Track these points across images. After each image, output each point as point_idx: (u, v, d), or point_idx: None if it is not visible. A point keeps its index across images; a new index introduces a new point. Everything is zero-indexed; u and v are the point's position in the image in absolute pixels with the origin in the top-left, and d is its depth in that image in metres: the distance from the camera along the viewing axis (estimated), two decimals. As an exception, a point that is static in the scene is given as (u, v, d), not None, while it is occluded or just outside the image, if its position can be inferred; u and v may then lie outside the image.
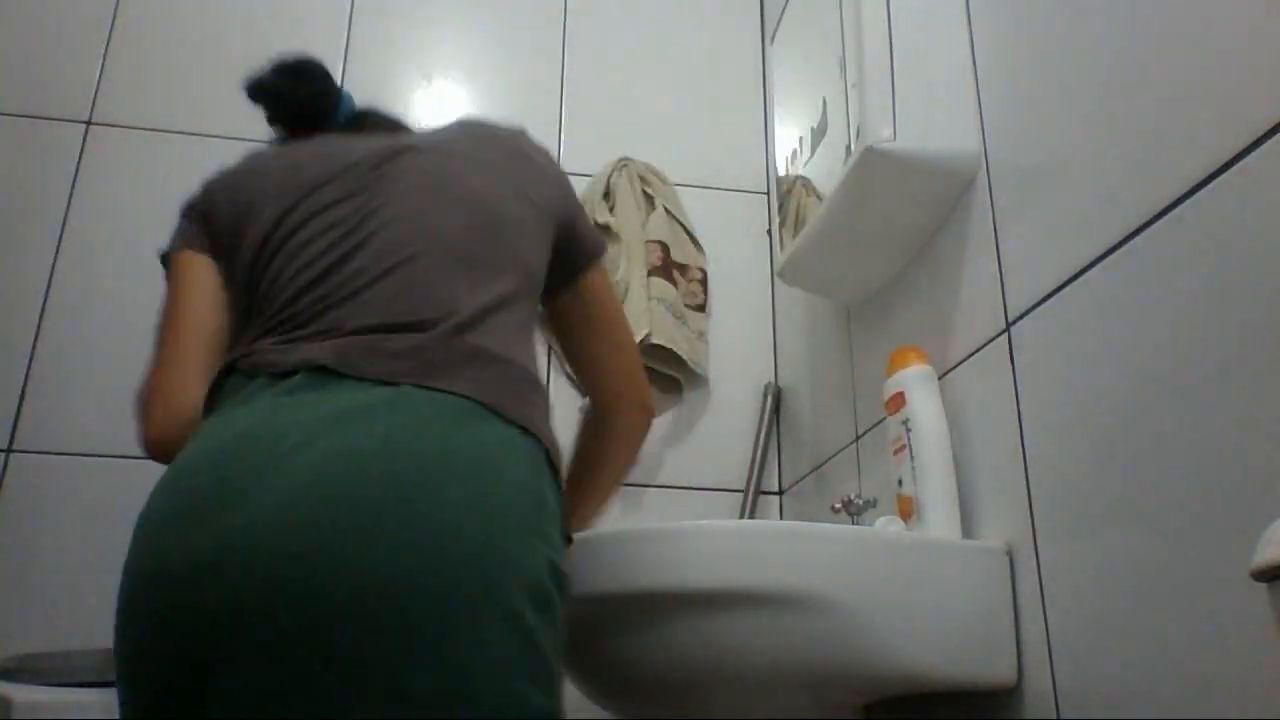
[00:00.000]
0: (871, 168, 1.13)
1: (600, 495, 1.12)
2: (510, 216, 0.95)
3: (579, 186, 1.81)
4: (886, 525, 1.06)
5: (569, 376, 1.71)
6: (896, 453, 1.11)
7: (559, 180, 1.05)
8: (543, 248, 0.99)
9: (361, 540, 0.67)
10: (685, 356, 1.65)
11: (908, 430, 1.09)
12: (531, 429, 0.81)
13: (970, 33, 1.16)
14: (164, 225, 1.65)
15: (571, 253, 1.05)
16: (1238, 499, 0.70)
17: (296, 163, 0.98)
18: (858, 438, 1.40)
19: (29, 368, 1.55)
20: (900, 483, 1.09)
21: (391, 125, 1.13)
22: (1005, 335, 1.03)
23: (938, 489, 1.06)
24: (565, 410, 1.65)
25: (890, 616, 0.94)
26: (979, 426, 1.08)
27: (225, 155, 1.78)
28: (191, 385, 0.87)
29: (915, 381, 1.11)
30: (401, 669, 0.65)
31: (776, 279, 1.81)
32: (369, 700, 0.65)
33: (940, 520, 1.04)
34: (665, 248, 1.72)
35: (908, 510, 1.07)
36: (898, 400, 1.11)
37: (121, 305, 1.60)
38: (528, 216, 0.97)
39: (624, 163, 1.81)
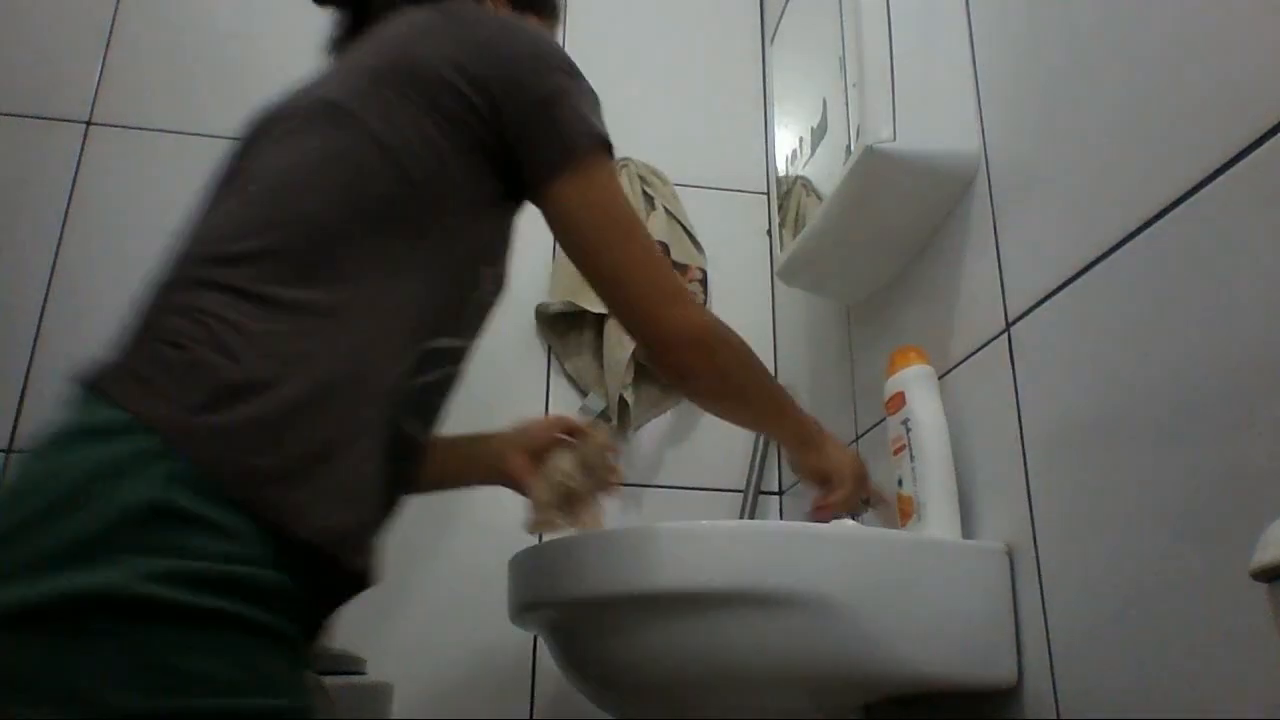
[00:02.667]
0: (871, 168, 1.13)
1: (758, 427, 1.11)
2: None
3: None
4: (840, 523, 1.06)
5: (569, 376, 1.71)
6: (896, 452, 1.11)
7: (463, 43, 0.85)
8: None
9: None
10: (685, 356, 1.65)
11: (907, 430, 1.09)
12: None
13: (970, 33, 1.16)
14: (164, 225, 1.64)
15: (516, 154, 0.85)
16: (1238, 499, 0.70)
17: None
18: (858, 438, 1.40)
19: (29, 368, 1.55)
20: (900, 483, 1.09)
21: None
22: (1005, 335, 1.03)
23: (937, 489, 1.06)
24: (566, 410, 1.65)
25: (890, 617, 0.94)
26: (979, 426, 1.08)
27: (225, 155, 1.79)
28: None
29: (915, 381, 1.11)
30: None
31: (776, 279, 1.81)
32: None
33: (940, 520, 1.04)
34: (665, 248, 1.72)
35: (907, 510, 1.07)
36: (897, 400, 1.11)
37: (121, 305, 1.60)
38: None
39: (624, 163, 1.80)
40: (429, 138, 0.81)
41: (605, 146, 0.88)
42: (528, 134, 0.85)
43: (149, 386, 0.70)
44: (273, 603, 0.66)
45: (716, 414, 1.05)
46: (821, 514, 1.10)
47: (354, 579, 0.73)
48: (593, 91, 0.91)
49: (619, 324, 0.93)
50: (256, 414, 0.69)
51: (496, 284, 0.91)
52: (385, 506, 0.79)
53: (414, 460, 0.84)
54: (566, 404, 1.67)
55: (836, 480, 1.10)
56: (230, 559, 0.64)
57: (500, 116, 0.84)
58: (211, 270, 0.77)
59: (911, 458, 1.08)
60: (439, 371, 0.84)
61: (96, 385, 0.72)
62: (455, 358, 0.87)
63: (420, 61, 0.84)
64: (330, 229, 0.77)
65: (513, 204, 0.90)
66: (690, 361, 0.89)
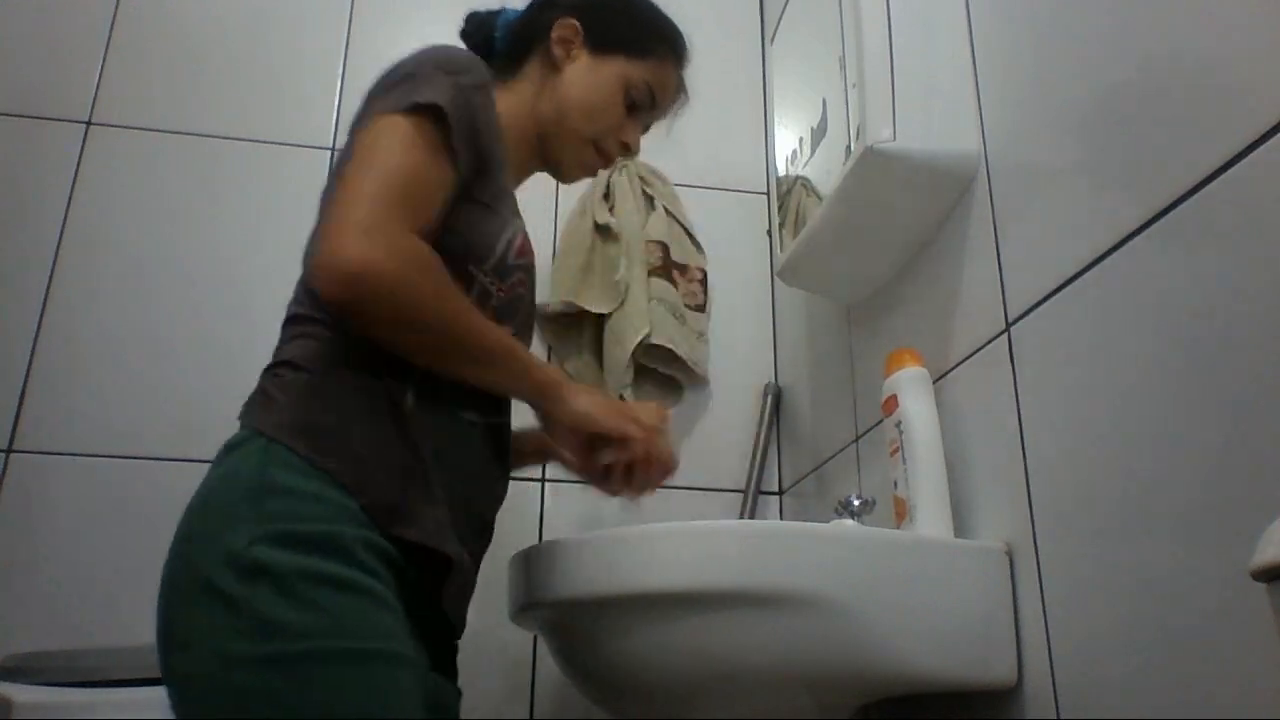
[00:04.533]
0: (871, 168, 1.13)
1: (470, 378, 0.93)
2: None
3: (579, 186, 1.82)
4: (840, 524, 1.06)
5: (570, 377, 1.71)
6: (892, 454, 1.11)
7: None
8: None
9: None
10: (685, 356, 1.65)
11: (900, 432, 1.09)
12: (253, 425, 0.86)
13: (970, 33, 1.16)
14: (164, 225, 1.67)
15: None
16: (1238, 499, 0.70)
17: None
18: (858, 438, 1.40)
19: (29, 368, 1.55)
20: (895, 484, 1.09)
21: None
22: (1005, 335, 1.03)
23: (928, 491, 1.06)
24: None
25: (890, 617, 0.94)
26: (979, 426, 1.08)
27: (225, 155, 1.79)
28: None
29: (908, 384, 1.11)
30: (158, 647, 0.81)
31: (776, 279, 1.81)
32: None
33: (931, 521, 1.05)
34: (665, 248, 1.72)
35: (902, 511, 1.08)
36: (891, 403, 1.12)
37: (122, 305, 1.60)
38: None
39: (624, 163, 1.80)
40: None
41: (419, 109, 0.88)
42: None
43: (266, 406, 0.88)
44: (352, 557, 0.80)
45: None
46: (608, 488, 1.03)
47: (414, 552, 0.85)
48: (455, 80, 0.92)
49: None
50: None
51: (502, 276, 0.96)
52: (437, 486, 0.89)
53: (467, 447, 0.94)
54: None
55: (604, 426, 0.98)
56: (316, 519, 0.80)
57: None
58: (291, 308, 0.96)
59: (904, 460, 1.08)
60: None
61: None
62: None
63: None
64: None
65: (467, 204, 0.93)
66: (335, 296, 0.83)
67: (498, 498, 1.01)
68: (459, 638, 0.97)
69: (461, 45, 1.15)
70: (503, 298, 0.96)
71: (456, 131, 0.89)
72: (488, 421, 0.96)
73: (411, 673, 0.81)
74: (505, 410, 1.01)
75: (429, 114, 0.88)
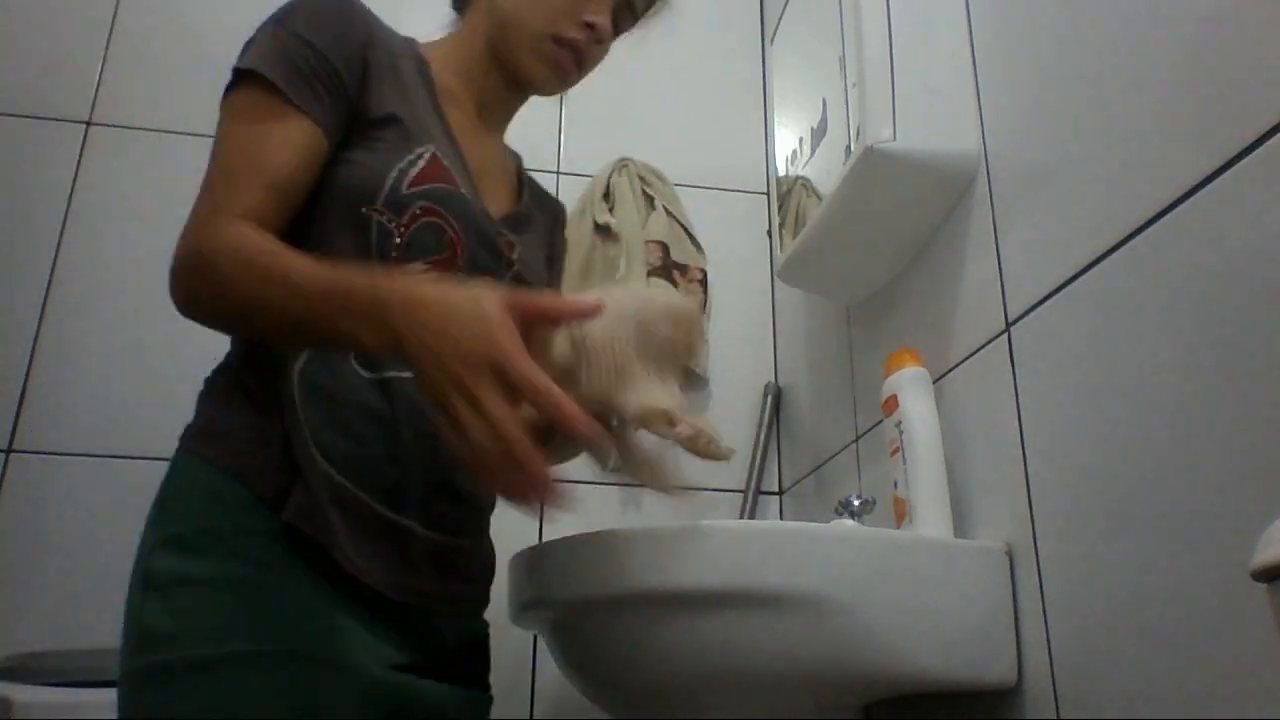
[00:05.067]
0: (871, 168, 1.13)
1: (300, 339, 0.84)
2: None
3: (579, 186, 1.82)
4: (840, 524, 1.06)
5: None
6: (892, 454, 1.11)
7: None
8: None
9: None
10: (685, 356, 1.65)
11: (900, 433, 1.09)
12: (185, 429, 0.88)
13: (970, 33, 1.16)
14: (164, 225, 1.64)
15: None
16: (1238, 499, 0.70)
17: None
18: (858, 438, 1.40)
19: (29, 368, 1.55)
20: (895, 484, 1.09)
21: None
22: (1005, 335, 1.03)
23: (928, 491, 1.06)
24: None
25: (890, 617, 0.94)
26: (979, 426, 1.08)
27: (225, 155, 1.79)
28: None
29: (908, 384, 1.11)
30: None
31: (776, 279, 1.81)
32: None
33: (930, 522, 1.04)
34: (665, 248, 1.72)
35: (902, 511, 1.08)
36: (891, 403, 1.12)
37: (121, 305, 1.60)
38: None
39: (624, 163, 1.81)
40: None
41: (241, 78, 0.86)
42: None
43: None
44: (233, 551, 0.79)
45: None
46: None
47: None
48: (281, 29, 0.88)
49: None
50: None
51: (398, 210, 0.87)
52: (328, 460, 0.83)
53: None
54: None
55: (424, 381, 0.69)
56: (201, 516, 0.80)
57: None
58: None
59: (904, 460, 1.08)
60: None
61: None
62: None
63: None
64: None
65: (356, 144, 0.89)
66: (176, 295, 0.81)
67: (437, 454, 0.85)
68: (439, 614, 0.89)
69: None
70: (405, 233, 0.87)
71: (288, 84, 0.84)
72: (390, 375, 0.86)
73: (285, 670, 0.76)
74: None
75: (250, 80, 0.85)
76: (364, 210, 0.86)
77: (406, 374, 0.84)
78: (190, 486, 0.82)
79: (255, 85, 0.85)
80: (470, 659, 0.95)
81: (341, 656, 0.78)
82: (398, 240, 0.87)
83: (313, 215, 0.87)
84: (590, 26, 0.99)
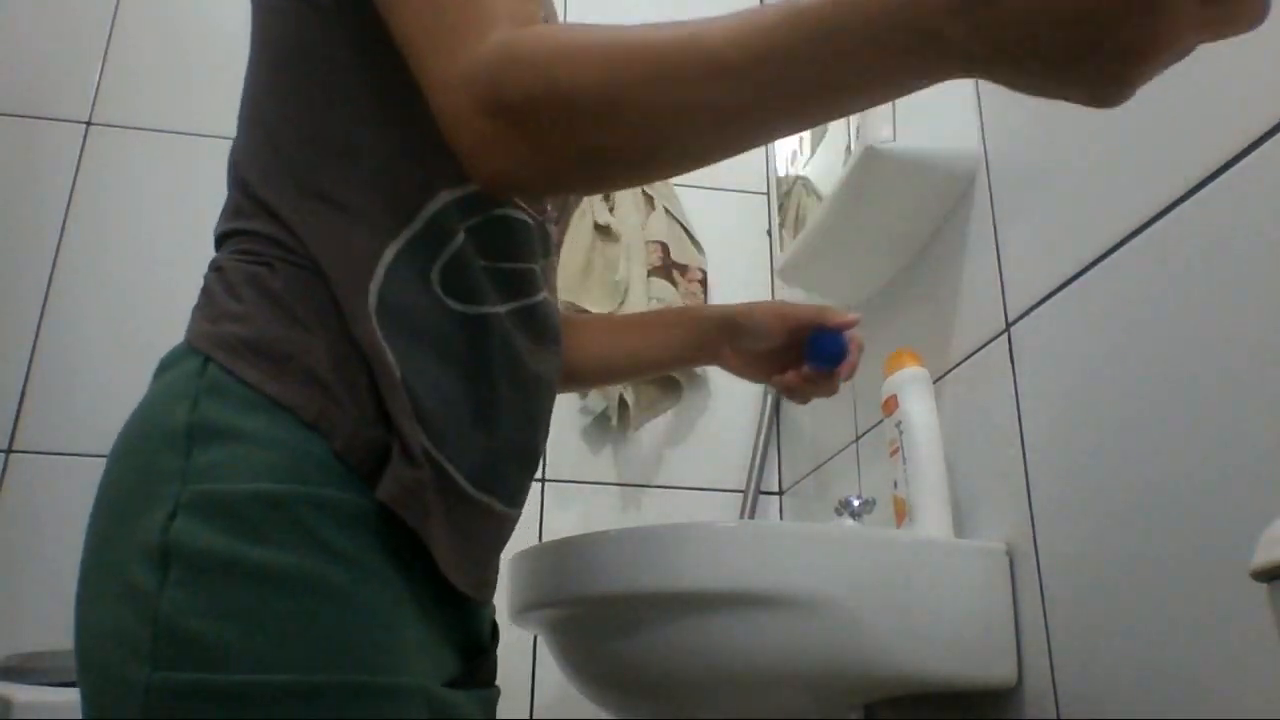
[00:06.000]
0: (871, 168, 1.13)
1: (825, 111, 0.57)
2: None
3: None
4: (840, 524, 1.06)
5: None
6: (892, 454, 1.11)
7: None
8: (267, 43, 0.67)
9: None
10: (685, 356, 1.65)
11: (900, 433, 1.09)
12: (189, 337, 0.62)
13: (970, 33, 1.16)
14: (164, 225, 1.67)
15: None
16: (1238, 499, 0.70)
17: None
18: (858, 438, 1.40)
19: (29, 368, 1.55)
20: (895, 484, 1.09)
21: None
22: (1005, 335, 1.03)
23: (928, 491, 1.06)
24: (562, 415, 1.65)
25: (890, 617, 0.94)
26: (979, 426, 1.08)
27: (225, 155, 1.79)
28: None
29: (908, 384, 1.11)
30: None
31: (776, 279, 1.81)
32: None
33: (930, 521, 1.05)
34: (665, 248, 1.72)
35: (902, 511, 1.08)
36: (891, 403, 1.12)
37: (122, 305, 1.60)
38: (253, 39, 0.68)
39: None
40: None
41: None
42: None
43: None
44: (303, 534, 0.56)
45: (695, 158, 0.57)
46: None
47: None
48: None
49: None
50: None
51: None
52: (438, 417, 0.63)
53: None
54: (565, 403, 1.67)
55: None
56: (256, 474, 0.55)
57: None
58: None
59: (904, 460, 1.08)
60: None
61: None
62: None
63: None
64: None
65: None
66: (495, 139, 0.52)
67: (543, 412, 0.72)
68: (486, 604, 0.72)
69: None
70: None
71: None
72: (488, 310, 0.66)
73: (351, 711, 0.54)
74: (538, 287, 0.70)
75: None
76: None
77: (504, 308, 0.67)
78: (236, 422, 0.56)
79: None
80: (493, 649, 0.78)
81: (410, 685, 0.58)
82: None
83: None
84: None
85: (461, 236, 0.64)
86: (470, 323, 0.65)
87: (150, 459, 0.57)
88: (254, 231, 0.64)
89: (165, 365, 0.63)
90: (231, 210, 0.67)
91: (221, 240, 0.67)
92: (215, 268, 0.65)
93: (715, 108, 0.50)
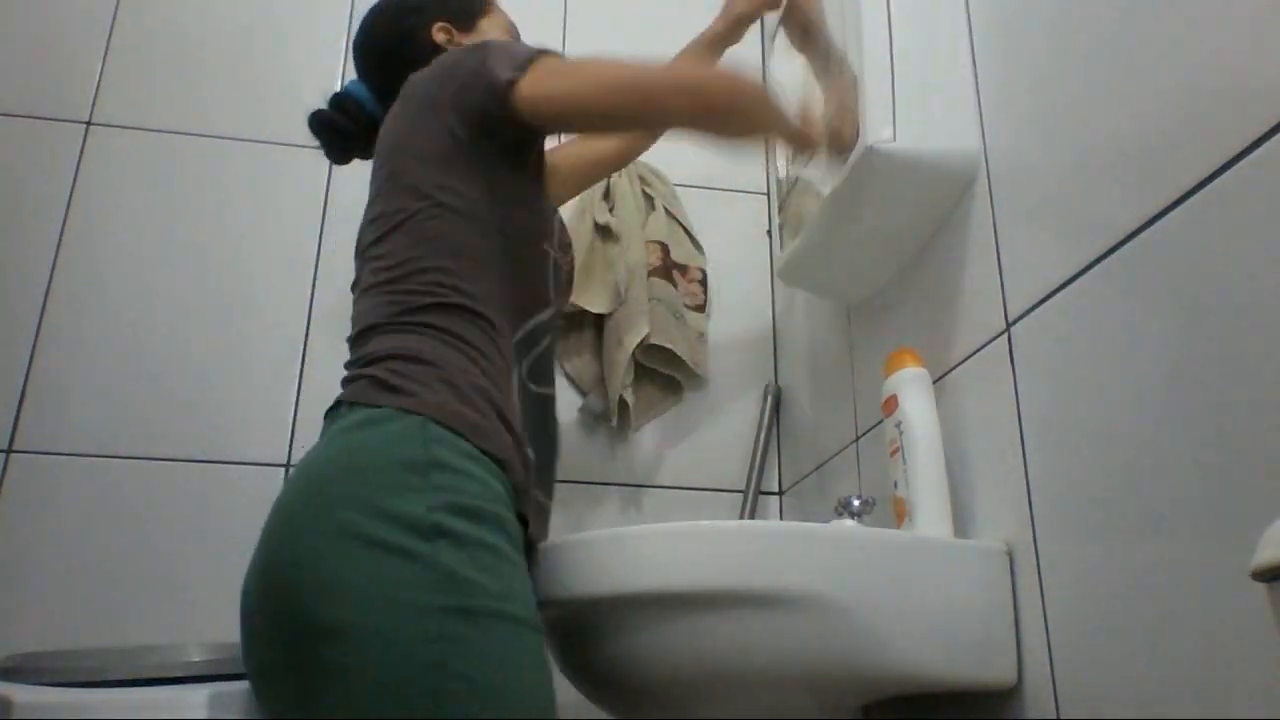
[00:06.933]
0: (871, 168, 1.13)
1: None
2: (383, 162, 1.12)
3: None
4: (840, 524, 1.06)
5: (569, 377, 1.71)
6: (892, 454, 1.11)
7: (425, 78, 1.12)
8: (418, 157, 1.07)
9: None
10: (684, 357, 1.65)
11: (900, 433, 1.09)
12: (396, 405, 0.93)
13: (970, 33, 1.16)
14: (164, 225, 1.67)
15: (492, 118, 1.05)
16: (1238, 499, 0.70)
17: None
18: (858, 438, 1.40)
19: (29, 368, 1.55)
20: (895, 484, 1.09)
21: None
22: (1005, 335, 1.03)
23: (928, 491, 1.06)
24: (562, 415, 1.65)
25: (890, 617, 0.94)
26: (979, 427, 1.08)
27: (225, 155, 1.79)
28: None
29: (908, 384, 1.11)
30: (289, 598, 0.87)
31: (776, 279, 1.81)
32: None
33: (930, 522, 1.04)
34: (665, 248, 1.72)
35: (902, 511, 1.08)
36: (891, 403, 1.12)
37: (121, 306, 1.60)
38: (390, 145, 1.11)
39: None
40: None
41: (544, 53, 1.07)
42: (469, 95, 1.05)
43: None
44: (509, 536, 0.91)
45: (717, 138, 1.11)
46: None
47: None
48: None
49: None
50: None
51: (564, 251, 1.14)
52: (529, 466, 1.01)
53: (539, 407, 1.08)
54: (566, 404, 1.67)
55: None
56: (479, 496, 0.90)
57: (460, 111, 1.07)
58: None
59: (904, 460, 1.08)
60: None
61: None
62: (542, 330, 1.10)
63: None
64: None
65: (523, 174, 1.10)
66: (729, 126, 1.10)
67: (553, 458, 1.13)
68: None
69: None
70: (566, 271, 1.14)
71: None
72: (546, 392, 1.10)
73: (539, 640, 0.90)
74: (554, 380, 1.14)
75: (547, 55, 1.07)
76: (545, 247, 1.09)
77: (553, 390, 1.12)
78: (460, 463, 0.91)
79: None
80: None
81: (539, 623, 0.92)
82: (563, 276, 1.13)
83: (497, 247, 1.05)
84: None
85: (542, 344, 1.09)
86: (542, 400, 1.09)
87: (395, 477, 0.88)
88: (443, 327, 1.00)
89: (373, 420, 0.93)
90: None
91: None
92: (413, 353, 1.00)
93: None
